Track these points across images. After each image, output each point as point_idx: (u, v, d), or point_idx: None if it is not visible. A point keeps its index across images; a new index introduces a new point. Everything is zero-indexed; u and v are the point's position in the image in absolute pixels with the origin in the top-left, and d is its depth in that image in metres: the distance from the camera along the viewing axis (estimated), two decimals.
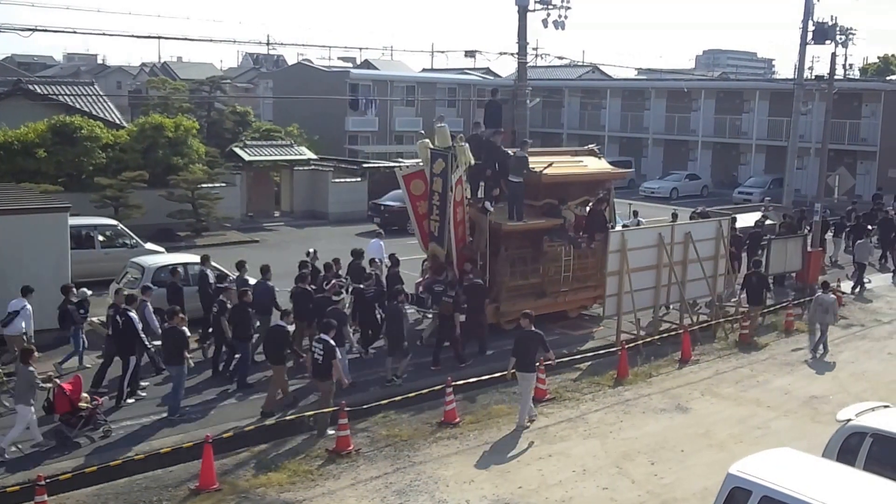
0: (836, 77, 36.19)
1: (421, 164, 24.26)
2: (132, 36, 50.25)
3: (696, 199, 54.39)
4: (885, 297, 30.84)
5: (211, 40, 75.07)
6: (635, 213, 33.36)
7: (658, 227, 25.20)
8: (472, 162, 23.01)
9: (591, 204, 25.79)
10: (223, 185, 39.17)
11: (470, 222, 23.79)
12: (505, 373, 18.68)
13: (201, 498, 14.63)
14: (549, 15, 31.73)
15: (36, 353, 16.74)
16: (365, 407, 18.18)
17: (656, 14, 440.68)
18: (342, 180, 45.06)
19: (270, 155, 43.71)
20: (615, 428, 18.18)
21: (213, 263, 23.45)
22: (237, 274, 22.61)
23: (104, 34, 38.90)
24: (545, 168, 24.41)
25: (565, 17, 32.02)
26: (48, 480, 13.67)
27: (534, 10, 30.65)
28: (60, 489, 14.32)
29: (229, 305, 19.96)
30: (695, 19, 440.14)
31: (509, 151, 24.35)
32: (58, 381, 16.84)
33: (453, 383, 18.44)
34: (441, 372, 20.38)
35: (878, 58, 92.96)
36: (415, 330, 23.67)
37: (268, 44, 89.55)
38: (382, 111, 65.83)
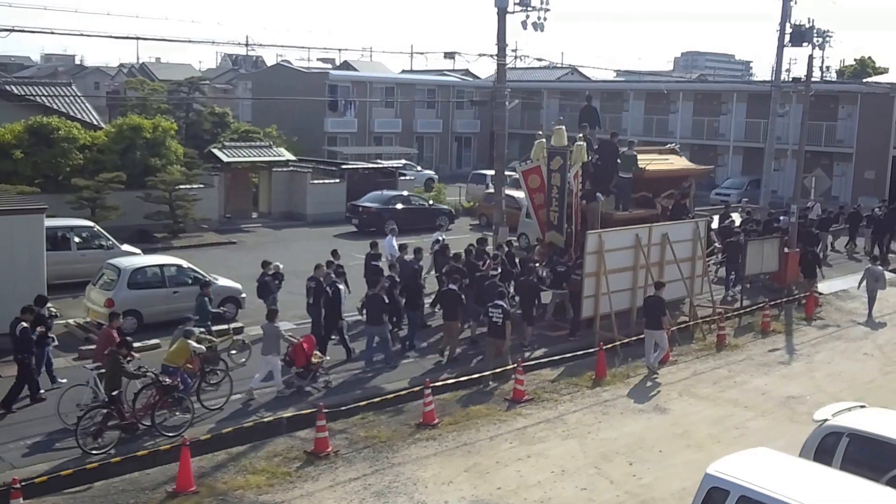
0: (813, 79, 36.32)
1: (537, 160, 26.85)
2: (110, 36, 49.93)
3: None
4: (860, 297, 30.87)
5: (189, 41, 74.84)
6: None
7: (635, 229, 25.30)
8: (589, 159, 26.24)
9: (676, 196, 28.76)
10: (201, 186, 38.96)
11: (581, 212, 26.40)
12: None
13: (179, 500, 14.58)
14: (528, 17, 31.61)
15: (279, 314, 20.51)
16: (343, 409, 18.23)
17: (635, 16, 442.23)
18: (320, 181, 44.95)
19: (249, 156, 43.50)
20: (593, 428, 18.22)
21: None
22: (398, 254, 25.91)
23: (82, 35, 38.62)
24: (647, 165, 27.56)
25: (544, 18, 31.89)
26: (23, 484, 13.59)
27: (513, 12, 30.52)
28: (36, 493, 14.24)
29: (398, 280, 23.48)
30: (673, 21, 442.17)
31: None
32: (297, 338, 20.09)
33: (432, 384, 18.54)
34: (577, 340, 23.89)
35: (855, 60, 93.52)
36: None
37: (247, 45, 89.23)
38: (361, 112, 65.70)
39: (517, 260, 26.58)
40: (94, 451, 15.99)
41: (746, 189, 53.50)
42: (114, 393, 16.58)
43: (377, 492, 15.02)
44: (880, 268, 29.47)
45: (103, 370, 17.19)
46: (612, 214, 26.70)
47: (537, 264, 25.46)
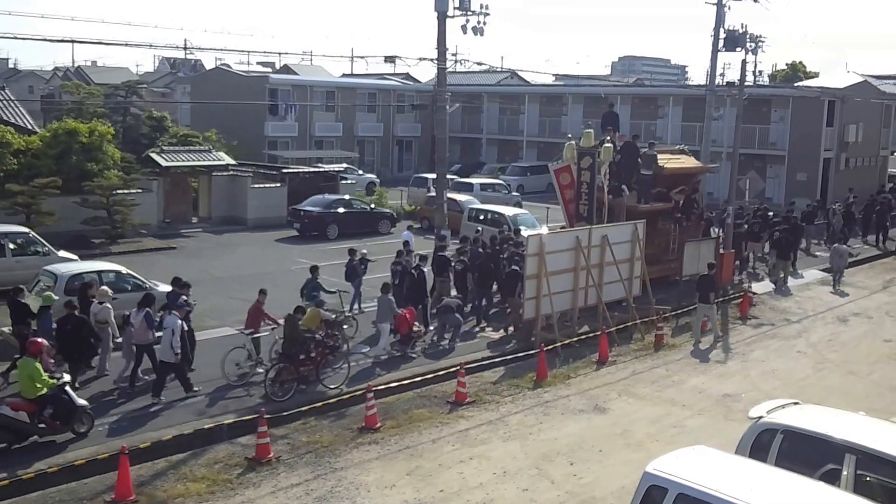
0: (746, 83, 36.98)
1: (567, 160, 29.04)
2: (45, 39, 49.31)
3: None
4: (795, 296, 31.60)
5: (126, 44, 73.68)
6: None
7: (575, 231, 25.54)
8: (613, 159, 28.76)
9: (687, 191, 31.74)
10: (139, 191, 38.43)
11: (608, 205, 28.99)
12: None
13: None
14: (468, 21, 31.76)
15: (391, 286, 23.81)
16: (285, 414, 18.17)
17: (573, 21, 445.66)
18: (261, 186, 44.65)
19: (188, 160, 43.00)
20: (535, 429, 18.36)
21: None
22: (460, 246, 28.71)
23: (15, 37, 37.92)
24: (665, 163, 30.62)
25: (484, 23, 32.07)
26: None
27: (453, 17, 30.61)
28: None
29: (468, 263, 26.55)
30: (611, 26, 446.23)
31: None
32: (401, 310, 22.91)
33: (373, 388, 18.57)
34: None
35: (787, 64, 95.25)
36: None
37: (185, 48, 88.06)
38: (302, 116, 65.37)
39: None
40: (278, 399, 19.10)
41: None
42: (292, 351, 19.68)
43: (319, 497, 15.00)
44: (845, 246, 35.11)
45: (257, 335, 20.81)
46: (636, 207, 29.50)
47: None
